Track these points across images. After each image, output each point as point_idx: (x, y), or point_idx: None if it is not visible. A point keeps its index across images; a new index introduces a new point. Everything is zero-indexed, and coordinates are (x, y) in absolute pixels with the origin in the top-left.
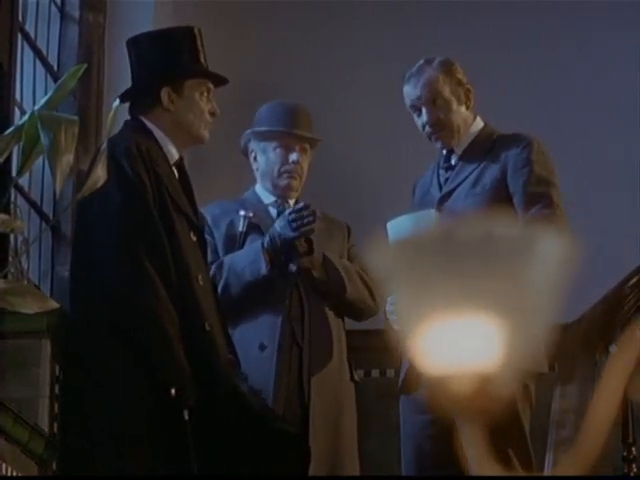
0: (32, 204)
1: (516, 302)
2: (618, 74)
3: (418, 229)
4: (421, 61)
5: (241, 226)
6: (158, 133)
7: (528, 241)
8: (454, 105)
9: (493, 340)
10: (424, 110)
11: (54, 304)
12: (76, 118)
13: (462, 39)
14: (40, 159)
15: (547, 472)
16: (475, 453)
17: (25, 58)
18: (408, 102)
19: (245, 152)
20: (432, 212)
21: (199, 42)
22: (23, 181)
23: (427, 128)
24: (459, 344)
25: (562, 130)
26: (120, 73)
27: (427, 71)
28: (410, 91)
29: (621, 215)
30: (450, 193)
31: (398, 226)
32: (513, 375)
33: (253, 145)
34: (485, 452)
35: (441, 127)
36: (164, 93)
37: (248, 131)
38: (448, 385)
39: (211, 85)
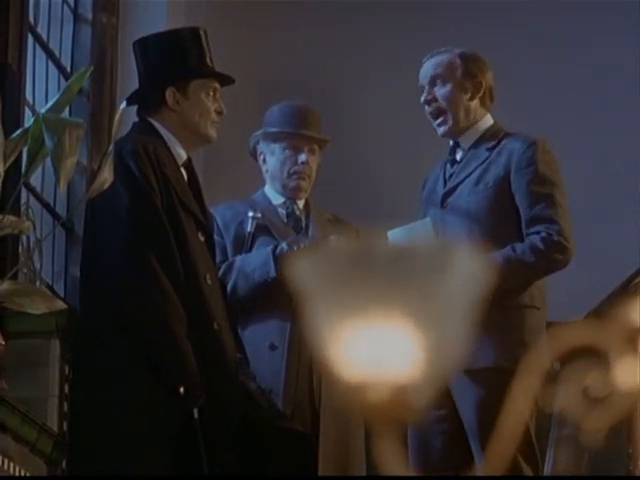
0: (45, 205)
1: (434, 314)
2: (619, 75)
3: (414, 240)
4: (444, 48)
5: (249, 227)
6: (166, 134)
7: (445, 253)
8: (455, 92)
9: (411, 350)
10: (426, 88)
11: (62, 305)
12: (81, 121)
13: (474, 40)
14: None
15: (547, 471)
16: (390, 463)
17: (37, 60)
18: (419, 81)
19: (254, 154)
20: (428, 221)
21: (204, 42)
22: (36, 182)
23: (425, 107)
24: (377, 353)
25: (562, 131)
26: (133, 74)
27: (442, 54)
28: (422, 71)
29: (623, 215)
30: (454, 189)
31: (396, 238)
32: (430, 385)
33: (262, 147)
34: (400, 462)
35: (437, 108)
36: (169, 93)
37: (257, 133)
38: (365, 393)
39: (217, 85)
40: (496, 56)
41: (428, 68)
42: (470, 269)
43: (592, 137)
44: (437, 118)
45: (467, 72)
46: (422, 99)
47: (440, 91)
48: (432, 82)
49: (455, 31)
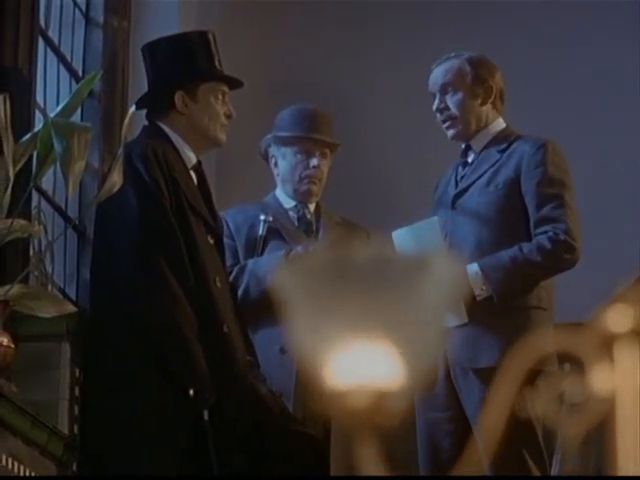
0: (56, 208)
1: (412, 322)
2: (619, 75)
3: (421, 239)
4: (453, 53)
5: (261, 230)
6: (175, 137)
7: (421, 264)
8: (467, 99)
9: (391, 358)
10: (437, 96)
11: (71, 308)
12: (89, 125)
13: (474, 40)
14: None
15: (555, 472)
16: (371, 468)
17: (49, 63)
18: (429, 88)
19: (265, 157)
20: (435, 220)
21: (213, 46)
22: (47, 185)
23: (437, 115)
24: (358, 360)
25: (562, 131)
26: (144, 77)
27: (451, 61)
28: (432, 77)
29: (623, 215)
30: (465, 190)
31: (403, 237)
32: (409, 392)
33: (273, 150)
34: (381, 467)
35: (449, 116)
36: (178, 97)
37: (268, 136)
38: (346, 400)
39: (226, 88)
40: (496, 56)
41: (438, 75)
42: (448, 279)
43: (592, 137)
44: (445, 122)
45: (477, 78)
46: (434, 107)
47: (452, 99)
48: (443, 90)
49: (455, 31)
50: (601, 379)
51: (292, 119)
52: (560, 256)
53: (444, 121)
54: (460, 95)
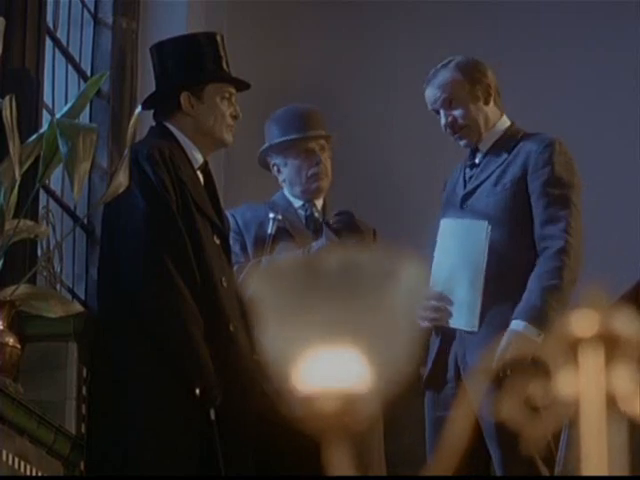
0: (65, 208)
1: (379, 326)
2: (619, 75)
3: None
4: (439, 65)
5: (270, 229)
6: (182, 138)
7: (388, 269)
8: (471, 104)
9: (359, 361)
10: (441, 112)
11: (78, 308)
12: (94, 125)
13: (475, 40)
14: None
15: (558, 471)
16: (338, 467)
17: (57, 64)
18: (428, 106)
19: (265, 165)
20: (484, 224)
21: (220, 47)
22: (56, 186)
23: (447, 130)
24: (326, 364)
25: (562, 131)
26: (153, 78)
27: (442, 74)
28: (428, 95)
29: (623, 215)
30: (473, 191)
31: (451, 227)
32: (378, 396)
33: (273, 159)
34: (348, 466)
35: (459, 127)
36: (184, 98)
37: (264, 147)
38: (315, 404)
39: (233, 89)
40: (496, 56)
41: (435, 92)
42: (414, 281)
43: (592, 137)
44: (456, 134)
45: (472, 81)
46: (442, 123)
47: (458, 111)
48: (446, 105)
49: (455, 31)
50: (566, 383)
51: (283, 123)
52: (570, 264)
53: (455, 133)
54: (465, 105)
